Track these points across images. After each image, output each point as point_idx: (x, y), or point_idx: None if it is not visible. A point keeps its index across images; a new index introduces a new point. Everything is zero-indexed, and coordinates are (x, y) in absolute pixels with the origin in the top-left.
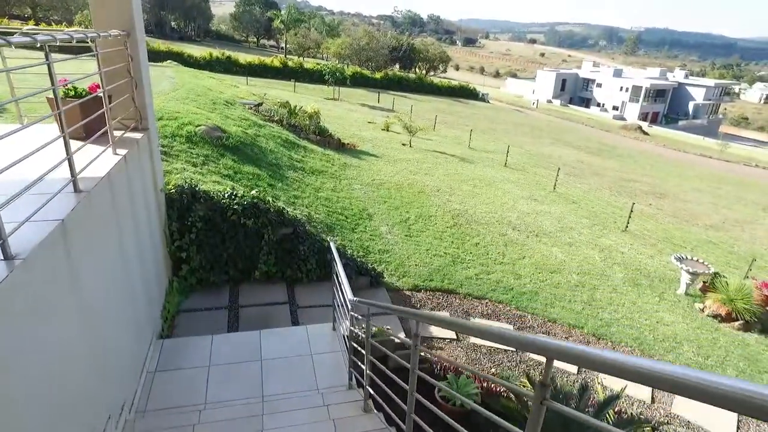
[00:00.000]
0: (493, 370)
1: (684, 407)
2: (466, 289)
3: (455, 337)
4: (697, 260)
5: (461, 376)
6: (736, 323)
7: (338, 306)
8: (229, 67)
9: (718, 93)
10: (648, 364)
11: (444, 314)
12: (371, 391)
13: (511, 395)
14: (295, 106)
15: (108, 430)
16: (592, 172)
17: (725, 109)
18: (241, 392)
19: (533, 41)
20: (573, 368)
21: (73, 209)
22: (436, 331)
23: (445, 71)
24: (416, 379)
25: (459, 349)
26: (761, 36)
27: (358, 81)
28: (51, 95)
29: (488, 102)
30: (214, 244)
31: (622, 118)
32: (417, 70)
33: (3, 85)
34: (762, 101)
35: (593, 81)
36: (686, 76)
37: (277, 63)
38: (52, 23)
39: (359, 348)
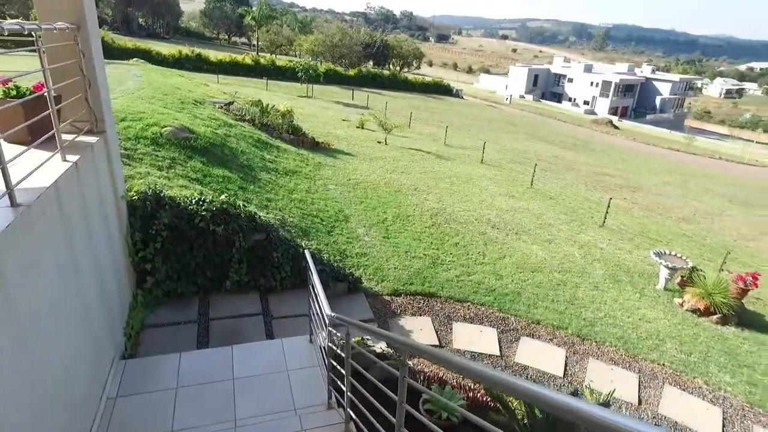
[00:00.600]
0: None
1: (671, 409)
2: (448, 292)
3: (438, 343)
4: (676, 255)
5: (446, 386)
6: (714, 317)
7: (314, 316)
8: (199, 65)
9: (682, 88)
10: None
11: (435, 349)
12: (352, 414)
13: (500, 407)
14: (268, 105)
15: None
16: (567, 167)
17: (689, 103)
18: (211, 416)
19: (505, 37)
20: (559, 372)
21: (8, 226)
22: (417, 336)
23: (418, 67)
24: (404, 412)
25: None
26: (721, 33)
27: (332, 78)
28: None
29: (462, 98)
30: (182, 253)
31: (593, 113)
32: (391, 66)
33: None
34: (722, 96)
35: (564, 76)
36: (653, 72)
37: (248, 60)
38: (8, 17)
39: (339, 366)
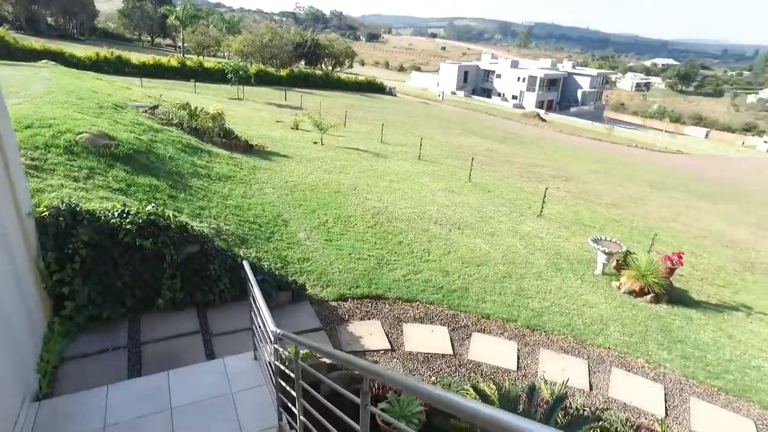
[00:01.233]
0: (433, 378)
1: (619, 391)
2: (395, 293)
3: (389, 347)
4: (611, 240)
5: (403, 393)
6: (648, 297)
7: (257, 330)
8: (120, 67)
9: (600, 82)
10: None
11: (403, 377)
12: None
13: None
14: (196, 108)
15: None
16: (501, 160)
17: (606, 96)
18: None
19: (434, 35)
20: (512, 365)
21: None
22: (368, 342)
23: (351, 66)
24: None
25: (395, 359)
26: (630, 32)
27: (263, 79)
28: None
29: (396, 95)
30: (105, 272)
31: (521, 107)
32: (323, 66)
33: None
34: (633, 89)
35: (493, 72)
36: (573, 67)
37: (174, 63)
38: None
39: (288, 387)
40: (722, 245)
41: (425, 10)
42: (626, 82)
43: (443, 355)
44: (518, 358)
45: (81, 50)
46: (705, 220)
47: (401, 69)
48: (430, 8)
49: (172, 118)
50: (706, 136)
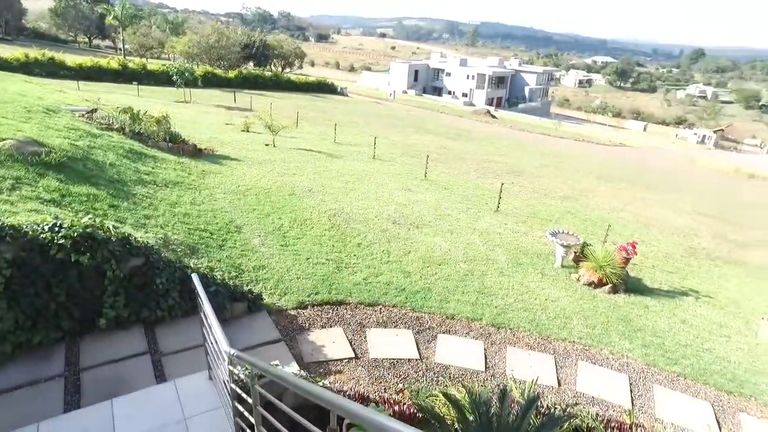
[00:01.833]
0: (400, 385)
1: (587, 385)
2: (357, 297)
3: (353, 355)
4: (568, 233)
5: (370, 405)
6: (606, 287)
7: (210, 346)
8: (54, 70)
9: (545, 79)
10: None
11: (373, 413)
12: None
13: (431, 420)
14: (139, 111)
15: None
16: (455, 157)
17: (552, 92)
18: None
19: (383, 35)
20: (480, 366)
21: None
22: (331, 350)
23: (301, 67)
24: None
25: (360, 368)
26: (571, 32)
27: (211, 81)
28: None
29: (347, 95)
30: (35, 293)
31: (472, 104)
32: (272, 67)
33: None
34: (576, 85)
35: (443, 71)
36: (520, 64)
37: (115, 65)
38: None
39: (247, 413)
40: (668, 233)
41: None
42: (570, 79)
43: (409, 360)
44: (485, 358)
45: (8, 51)
46: (651, 209)
47: (352, 69)
48: (379, 8)
49: (112, 123)
50: (645, 129)
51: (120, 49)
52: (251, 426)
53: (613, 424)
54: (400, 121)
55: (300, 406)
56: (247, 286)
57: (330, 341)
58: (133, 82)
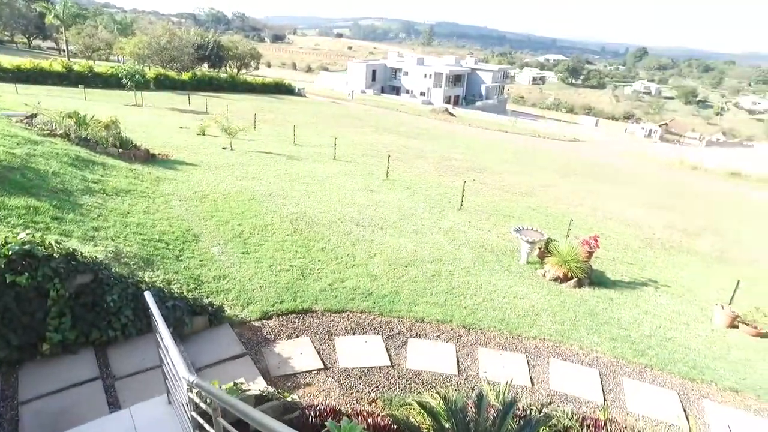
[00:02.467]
0: (372, 395)
1: (559, 382)
2: (323, 305)
3: (322, 366)
4: (532, 229)
5: (343, 418)
6: (572, 282)
7: (168, 367)
8: None
9: (501, 77)
10: None
11: None
12: None
13: (406, 430)
14: (86, 116)
15: None
16: (416, 156)
17: (508, 90)
18: None
19: (340, 35)
20: (453, 370)
21: None
22: (299, 362)
23: (257, 68)
24: None
25: (330, 379)
26: (524, 31)
27: (164, 83)
28: None
29: (305, 96)
30: None
31: (430, 103)
32: (228, 68)
33: None
34: (530, 83)
35: (400, 70)
36: (476, 63)
37: (58, 67)
38: None
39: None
40: (625, 225)
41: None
42: (524, 76)
43: (381, 368)
44: (458, 361)
45: None
46: (607, 203)
47: (309, 69)
48: (335, 8)
49: (55, 129)
50: (596, 124)
51: (63, 51)
52: None
53: (588, 422)
54: (360, 120)
55: None
56: (207, 298)
57: (297, 352)
58: (79, 86)
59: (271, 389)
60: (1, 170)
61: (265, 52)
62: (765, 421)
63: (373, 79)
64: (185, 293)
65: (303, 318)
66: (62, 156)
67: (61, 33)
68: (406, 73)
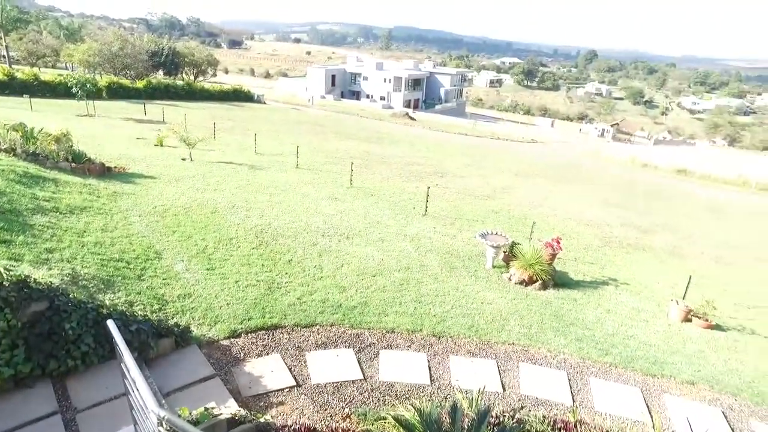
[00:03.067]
0: (346, 410)
1: (529, 386)
2: (292, 319)
3: (294, 383)
4: (496, 233)
5: None
6: (537, 284)
7: (136, 404)
8: None
9: (459, 80)
10: None
11: None
12: None
13: None
14: (33, 128)
15: None
16: (379, 161)
17: (466, 93)
18: None
19: (298, 40)
20: (425, 379)
21: None
22: (270, 380)
23: (214, 75)
24: None
25: (303, 396)
26: (481, 34)
27: (117, 92)
28: None
29: (264, 103)
30: None
31: (390, 107)
32: (184, 75)
33: None
34: (488, 86)
35: (360, 75)
36: (434, 66)
37: None
38: None
39: None
40: (584, 224)
41: (287, 15)
42: (481, 79)
43: (353, 381)
44: (430, 370)
45: None
46: (566, 203)
47: (268, 75)
48: (292, 13)
49: None
50: (552, 125)
51: (4, 57)
52: None
53: (559, 425)
54: (321, 126)
55: None
56: (172, 318)
57: (268, 370)
58: (24, 95)
59: (243, 411)
60: None
61: (223, 58)
62: (718, 411)
63: (333, 84)
64: (149, 315)
65: (272, 334)
66: (8, 173)
67: (1, 38)
68: (365, 78)
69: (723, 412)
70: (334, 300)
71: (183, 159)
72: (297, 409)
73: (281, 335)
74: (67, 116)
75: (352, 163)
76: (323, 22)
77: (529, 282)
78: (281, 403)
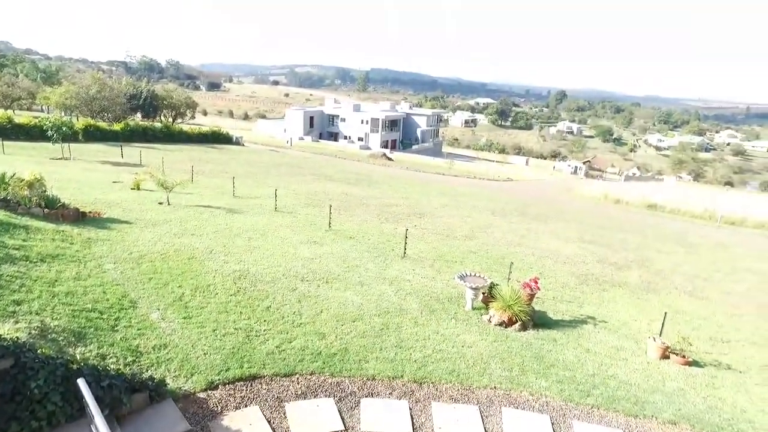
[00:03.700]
0: None
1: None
2: (271, 369)
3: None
4: (475, 275)
5: None
6: (516, 325)
7: None
8: None
9: (435, 120)
10: None
11: None
12: None
13: None
14: (5, 174)
15: None
16: (357, 203)
17: (443, 133)
18: None
19: (276, 83)
20: (407, 428)
21: None
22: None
23: (193, 117)
24: None
25: None
26: (455, 76)
27: (94, 135)
28: None
29: (243, 145)
30: None
31: (368, 148)
32: (162, 118)
33: None
34: (463, 125)
35: (338, 116)
36: (410, 107)
37: None
38: None
39: None
40: (561, 262)
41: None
42: (456, 119)
43: None
44: (412, 418)
45: None
46: (543, 241)
47: (246, 117)
48: (271, 56)
49: None
50: (527, 163)
51: None
52: None
53: None
54: (299, 168)
55: None
56: (147, 371)
57: (247, 424)
58: None
59: None
60: None
61: (201, 100)
62: None
63: (311, 125)
64: (122, 368)
65: (251, 384)
66: None
67: None
68: (343, 120)
69: None
70: (313, 347)
71: (160, 203)
72: None
73: (260, 386)
74: (42, 160)
75: (331, 206)
76: (301, 64)
77: (509, 323)
78: None
